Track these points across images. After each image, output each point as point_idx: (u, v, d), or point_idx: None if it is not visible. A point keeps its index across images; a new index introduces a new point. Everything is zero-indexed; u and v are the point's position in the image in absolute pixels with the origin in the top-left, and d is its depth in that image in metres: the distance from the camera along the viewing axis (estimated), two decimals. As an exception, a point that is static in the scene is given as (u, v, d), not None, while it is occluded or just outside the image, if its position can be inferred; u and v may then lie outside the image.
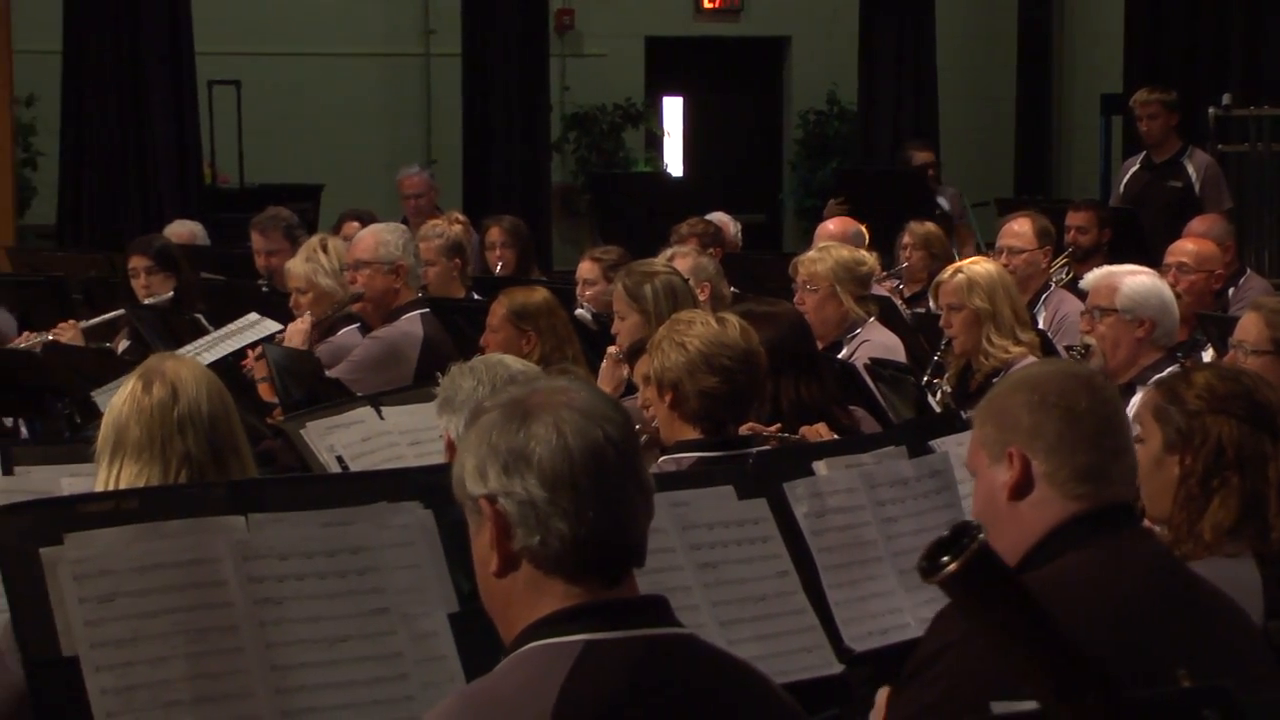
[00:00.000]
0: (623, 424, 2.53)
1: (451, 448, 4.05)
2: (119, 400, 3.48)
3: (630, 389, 5.66)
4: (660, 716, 2.45)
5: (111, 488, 3.41)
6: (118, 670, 2.84)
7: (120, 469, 3.42)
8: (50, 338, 7.62)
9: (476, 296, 8.19)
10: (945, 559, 2.22)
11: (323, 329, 7.24)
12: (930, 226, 9.36)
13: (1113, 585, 2.88)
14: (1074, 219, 9.34)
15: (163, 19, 14.14)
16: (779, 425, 4.96)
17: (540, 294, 6.53)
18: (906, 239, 9.15)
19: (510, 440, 2.47)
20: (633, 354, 5.54)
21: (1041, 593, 2.74)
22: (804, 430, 5.05)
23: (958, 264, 6.83)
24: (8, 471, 4.19)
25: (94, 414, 5.59)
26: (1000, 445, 2.98)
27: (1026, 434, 2.95)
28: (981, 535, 2.24)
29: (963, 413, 5.46)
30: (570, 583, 2.47)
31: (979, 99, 18.61)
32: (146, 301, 8.02)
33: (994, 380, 6.28)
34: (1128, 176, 11.14)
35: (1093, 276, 6.30)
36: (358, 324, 7.28)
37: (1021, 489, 2.95)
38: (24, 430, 7.07)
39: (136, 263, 8.21)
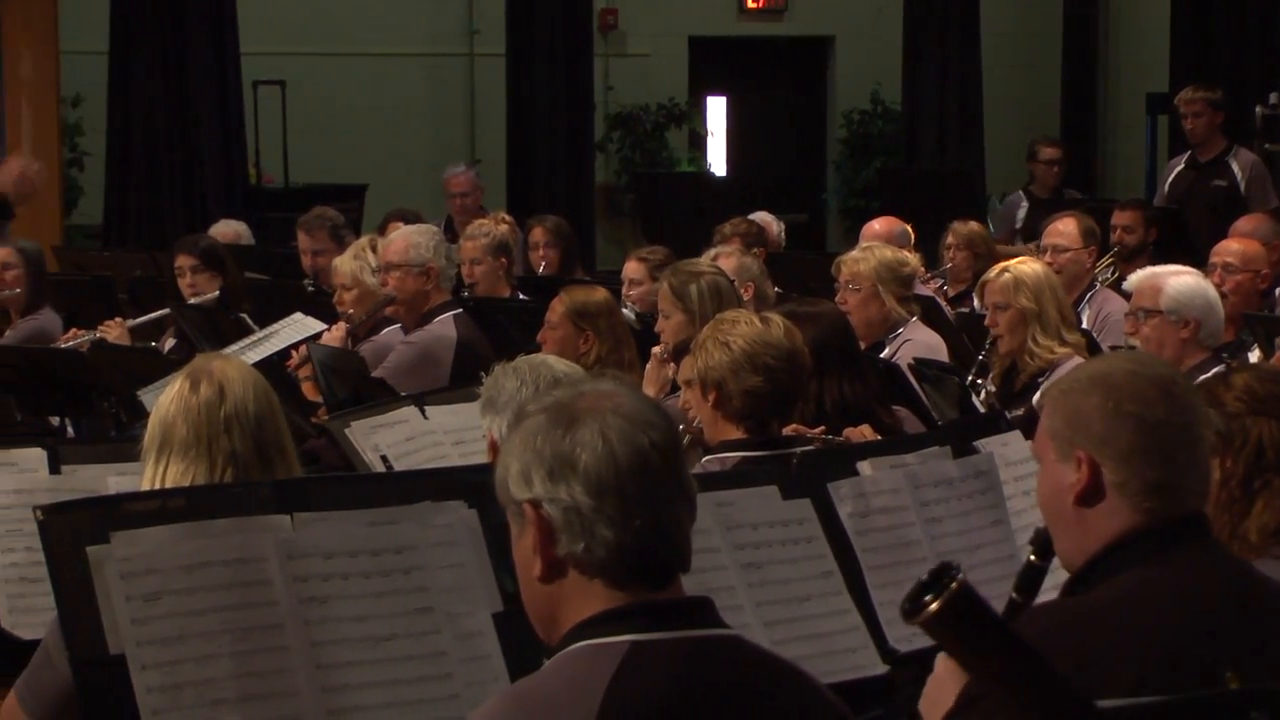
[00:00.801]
0: (667, 429, 2.53)
1: (494, 448, 4.05)
2: (165, 399, 3.48)
3: (676, 388, 5.66)
4: (707, 717, 2.46)
5: (157, 486, 3.42)
6: (164, 668, 2.85)
7: (166, 468, 3.43)
8: (97, 337, 7.66)
9: (522, 296, 8.21)
10: (928, 598, 2.24)
11: (364, 330, 7.26)
12: (974, 226, 9.32)
13: (1178, 603, 2.81)
14: (1120, 218, 9.30)
15: (208, 20, 14.20)
16: (824, 428, 4.95)
17: (600, 294, 6.54)
18: (950, 239, 9.12)
19: (556, 445, 2.47)
20: (678, 354, 5.54)
21: (1104, 610, 2.73)
22: (848, 431, 5.04)
23: (1004, 263, 6.81)
24: (55, 470, 4.22)
25: (140, 413, 5.61)
26: (1069, 444, 2.89)
27: (1098, 440, 2.87)
28: (961, 575, 2.26)
29: (1007, 413, 5.45)
30: (616, 588, 2.47)
31: (1024, 98, 18.54)
32: (192, 301, 8.05)
33: (1039, 381, 6.27)
34: (1173, 176, 11.09)
35: (1137, 277, 6.27)
36: (400, 323, 7.30)
37: (1089, 496, 2.87)
38: (70, 429, 7.11)
39: (182, 262, 8.24)
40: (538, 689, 2.46)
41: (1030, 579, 3.08)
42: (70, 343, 7.62)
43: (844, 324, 5.67)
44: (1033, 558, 3.07)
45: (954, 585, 2.25)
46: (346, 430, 4.95)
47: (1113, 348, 6.69)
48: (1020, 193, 12.13)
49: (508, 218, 9.90)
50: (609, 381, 2.64)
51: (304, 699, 2.93)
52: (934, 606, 2.24)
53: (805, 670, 2.65)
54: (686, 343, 5.29)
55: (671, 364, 5.92)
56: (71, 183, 14.84)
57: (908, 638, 3.74)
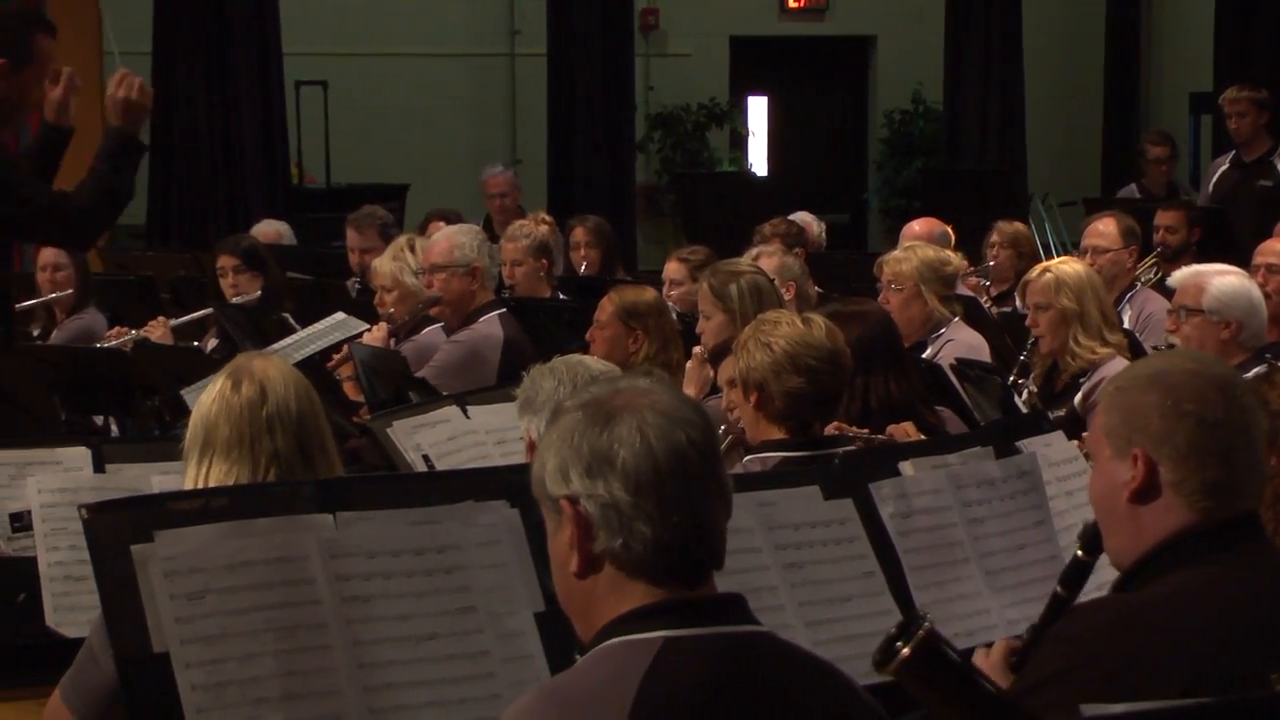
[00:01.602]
0: (704, 426, 2.54)
1: (533, 448, 4.05)
2: (207, 399, 3.49)
3: (716, 389, 5.66)
4: (740, 712, 2.46)
5: (200, 486, 3.43)
6: (207, 667, 2.86)
7: (209, 468, 3.43)
8: (140, 336, 7.69)
9: (562, 296, 8.22)
10: (898, 645, 2.27)
11: (405, 330, 7.28)
12: (1018, 225, 9.30)
13: (1232, 603, 2.80)
14: (1163, 218, 9.26)
15: (251, 21, 14.25)
16: (867, 429, 4.94)
17: (649, 294, 6.54)
18: (994, 238, 9.09)
19: (594, 442, 2.48)
20: (717, 356, 5.54)
21: (1156, 608, 2.73)
22: (891, 430, 5.03)
23: (1046, 263, 6.79)
24: (99, 469, 4.24)
25: (183, 412, 5.63)
26: (1126, 442, 2.88)
27: (1155, 438, 2.86)
28: (927, 623, 2.29)
29: (1049, 413, 5.44)
30: (652, 584, 2.49)
31: (1066, 98, 18.50)
32: (234, 301, 8.08)
33: (1080, 381, 6.25)
34: (1217, 175, 11.04)
35: (1180, 276, 6.24)
36: (441, 323, 7.30)
37: (1145, 494, 2.86)
38: (114, 428, 7.13)
39: (225, 262, 8.27)
40: (571, 685, 2.47)
41: (1076, 574, 3.07)
42: (114, 342, 7.65)
43: (890, 322, 5.66)
44: (1080, 553, 3.07)
45: (921, 632, 2.29)
46: (388, 430, 4.96)
47: (1154, 348, 6.66)
48: (1133, 186, 12.11)
49: (548, 218, 9.90)
50: (645, 379, 2.64)
51: (346, 698, 2.93)
52: (905, 652, 2.28)
53: (841, 669, 2.65)
54: (726, 344, 5.29)
55: (711, 365, 5.91)
56: (115, 183, 14.89)
57: (950, 639, 3.73)
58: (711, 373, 5.90)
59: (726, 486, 2.55)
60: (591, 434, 2.49)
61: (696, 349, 6.18)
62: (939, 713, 2.42)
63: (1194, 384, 2.89)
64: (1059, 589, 3.07)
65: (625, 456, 2.46)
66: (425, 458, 4.88)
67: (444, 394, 5.76)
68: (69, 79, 5.74)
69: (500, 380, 6.47)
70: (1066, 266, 6.60)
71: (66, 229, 5.83)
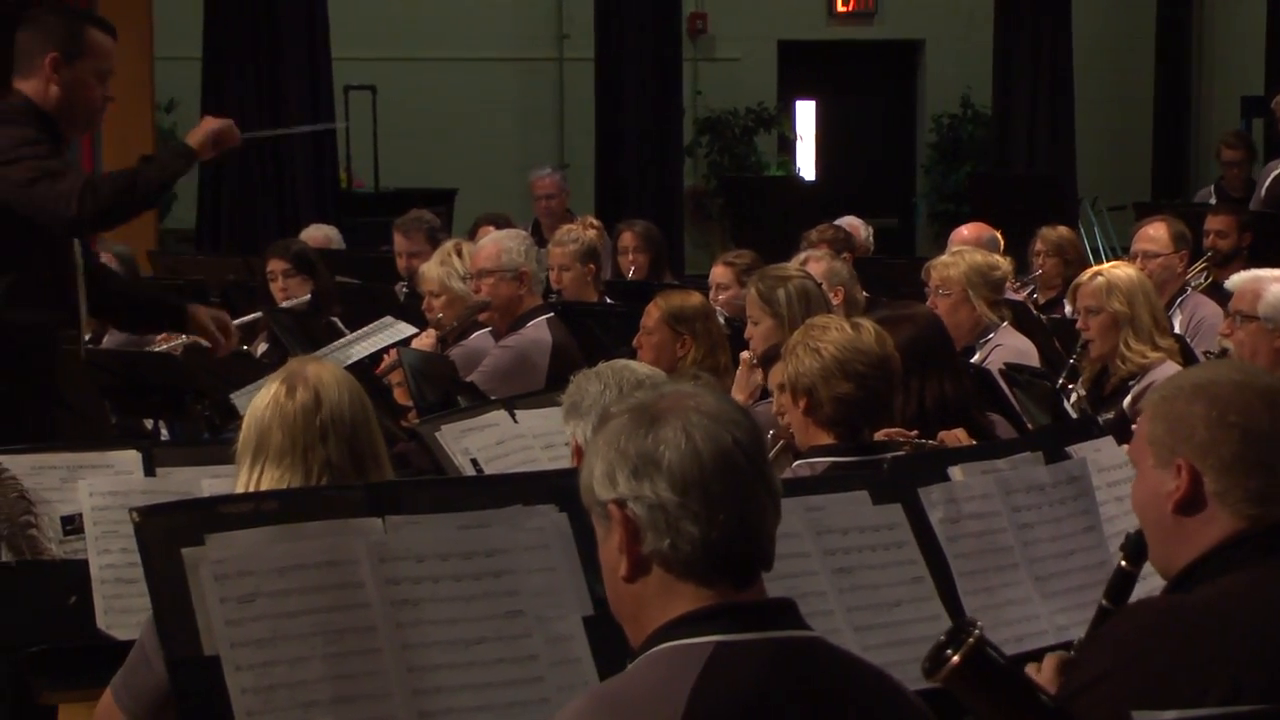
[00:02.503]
0: (750, 428, 2.54)
1: (578, 453, 4.06)
2: (261, 403, 3.49)
3: (767, 393, 5.65)
4: (791, 718, 2.46)
5: (252, 490, 3.43)
6: (257, 670, 2.87)
7: (261, 473, 3.43)
8: (190, 340, 7.72)
9: (610, 301, 8.22)
10: (948, 653, 2.26)
11: (454, 334, 7.29)
12: (1063, 231, 9.25)
13: (1277, 608, 2.80)
14: (1213, 223, 9.21)
15: (300, 26, 14.31)
16: (916, 431, 4.93)
17: (696, 298, 6.54)
18: (1039, 245, 9.04)
19: (639, 444, 2.49)
20: (767, 361, 5.53)
21: (1202, 611, 2.71)
22: (942, 434, 5.02)
23: (1097, 267, 6.76)
24: (150, 473, 4.26)
25: (233, 416, 5.65)
26: (1170, 452, 2.87)
27: (1200, 449, 2.85)
28: (977, 631, 2.27)
29: (1099, 418, 5.42)
30: (701, 585, 2.49)
31: (1116, 101, 18.42)
32: (284, 304, 8.10)
33: (1130, 385, 6.23)
34: (1269, 179, 10.96)
35: (1238, 279, 6.20)
36: (489, 328, 7.31)
37: (1189, 505, 2.85)
38: (164, 432, 7.17)
39: (274, 266, 8.30)
40: (623, 690, 2.47)
41: (1121, 585, 3.06)
42: (164, 346, 7.68)
43: (940, 324, 5.66)
44: (1124, 563, 3.06)
45: (970, 640, 2.28)
46: (437, 434, 4.97)
47: (1205, 353, 6.63)
48: (1210, 188, 12.07)
49: (596, 223, 9.91)
50: (691, 382, 2.64)
51: (396, 701, 2.94)
52: (954, 660, 2.27)
53: (890, 674, 2.64)
54: (776, 349, 5.29)
55: (760, 370, 5.90)
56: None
57: (999, 645, 3.72)
58: (761, 377, 5.90)
59: (775, 487, 2.55)
60: (637, 437, 2.49)
61: (745, 354, 6.18)
62: (990, 716, 2.42)
63: (1240, 396, 2.87)
64: (1104, 601, 3.06)
65: (671, 457, 2.47)
66: (473, 462, 4.89)
67: (492, 398, 5.77)
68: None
69: (548, 385, 6.47)
70: (1118, 270, 6.57)
71: (55, 196, 5.29)
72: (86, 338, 8.13)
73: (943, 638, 2.31)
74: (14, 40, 5.61)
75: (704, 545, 2.47)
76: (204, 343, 6.01)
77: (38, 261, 5.42)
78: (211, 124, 5.71)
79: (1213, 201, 11.58)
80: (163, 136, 14.78)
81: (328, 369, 3.57)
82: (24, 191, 5.28)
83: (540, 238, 9.65)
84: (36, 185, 5.27)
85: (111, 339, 8.36)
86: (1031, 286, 8.95)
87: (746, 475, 2.50)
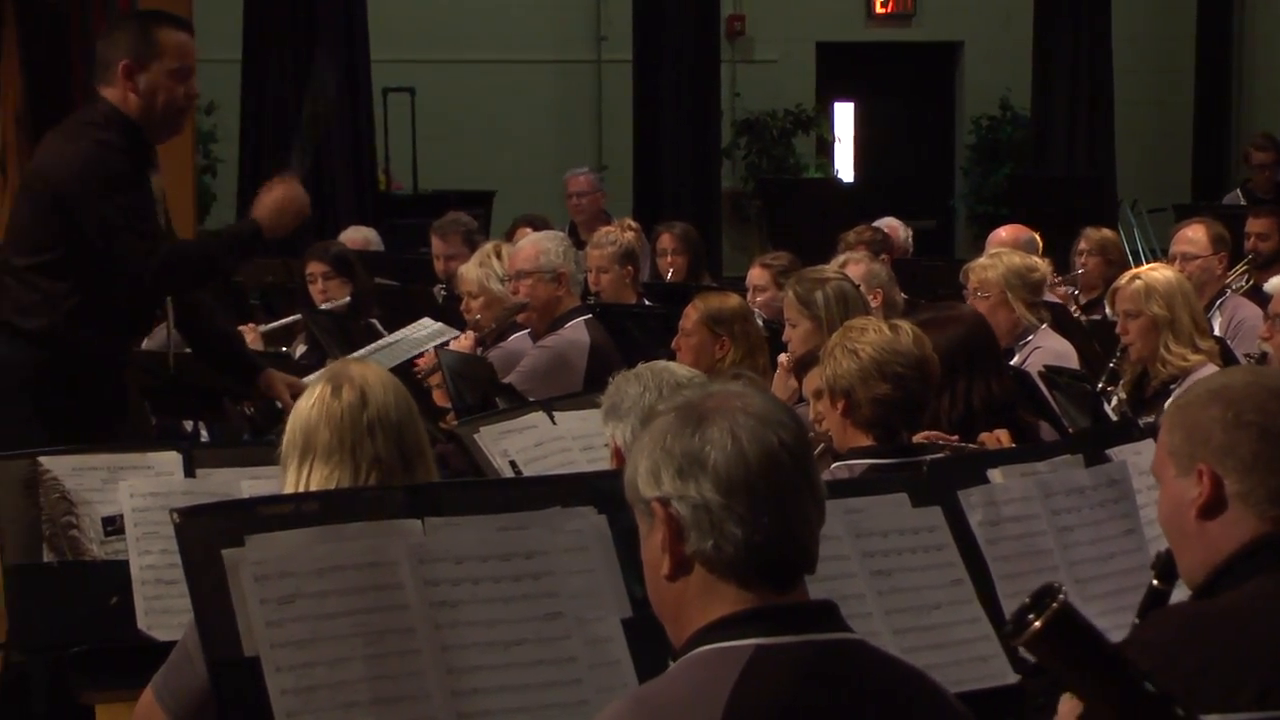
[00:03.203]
0: (796, 429, 2.54)
1: (617, 455, 4.06)
2: (306, 404, 3.49)
3: (803, 398, 5.64)
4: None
5: (301, 491, 3.44)
6: (298, 671, 2.88)
7: (310, 472, 3.44)
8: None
9: (648, 303, 8.22)
10: (1030, 617, 2.26)
11: (493, 336, 7.30)
12: (1106, 232, 9.23)
13: None
14: (1254, 225, 9.18)
15: (339, 28, 14.34)
16: (957, 435, 4.93)
17: (734, 299, 6.54)
18: (1082, 244, 9.03)
19: (685, 444, 2.48)
20: (802, 367, 5.51)
21: (1229, 615, 2.70)
22: (983, 436, 5.01)
23: (1135, 270, 6.74)
24: (190, 474, 4.27)
25: (278, 419, 5.67)
26: (1190, 459, 2.87)
27: (1219, 451, 2.84)
28: (1063, 595, 2.27)
29: (1139, 420, 5.40)
30: (742, 587, 2.48)
31: (1156, 103, 18.35)
32: (323, 307, 8.12)
33: (1171, 388, 6.20)
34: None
35: (1277, 282, 6.18)
36: (528, 329, 7.32)
37: (1212, 508, 2.84)
38: (204, 433, 7.19)
39: (314, 268, 8.32)
40: (662, 693, 2.46)
41: (1153, 603, 3.05)
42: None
43: (985, 324, 5.66)
44: (1155, 582, 3.05)
45: (1055, 605, 2.26)
46: (475, 435, 4.97)
47: (1246, 355, 6.60)
48: (1237, 192, 12.02)
49: (634, 225, 9.90)
50: (737, 382, 2.64)
51: (435, 702, 2.95)
52: (1036, 625, 2.25)
53: (932, 677, 2.64)
54: (811, 355, 5.29)
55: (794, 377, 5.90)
56: (204, 189, 15.03)
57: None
58: (796, 384, 5.89)
59: (819, 489, 2.55)
60: (683, 436, 2.49)
61: (783, 356, 6.17)
62: (1072, 681, 2.40)
63: (1255, 395, 2.87)
64: (1137, 620, 3.05)
65: (716, 457, 2.47)
66: (512, 463, 4.89)
67: (530, 400, 5.77)
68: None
69: (587, 386, 6.47)
70: (1157, 273, 6.55)
71: (134, 265, 5.38)
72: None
73: (1026, 600, 2.29)
74: (96, 49, 5.64)
75: (747, 547, 2.46)
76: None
77: (115, 294, 5.46)
78: (274, 195, 5.72)
79: (1241, 204, 11.55)
80: (202, 138, 14.86)
81: (372, 369, 3.59)
82: (112, 236, 5.33)
83: (576, 239, 9.66)
84: (122, 236, 5.33)
85: (151, 340, 8.38)
86: (1073, 287, 8.92)
87: (792, 477, 2.50)
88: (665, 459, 2.49)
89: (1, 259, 5.57)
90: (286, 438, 3.49)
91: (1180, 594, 3.02)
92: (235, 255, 5.72)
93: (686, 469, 2.48)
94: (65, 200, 5.34)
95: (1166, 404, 6.14)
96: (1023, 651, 2.37)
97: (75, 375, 5.41)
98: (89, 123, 5.47)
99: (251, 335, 7.88)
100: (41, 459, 4.19)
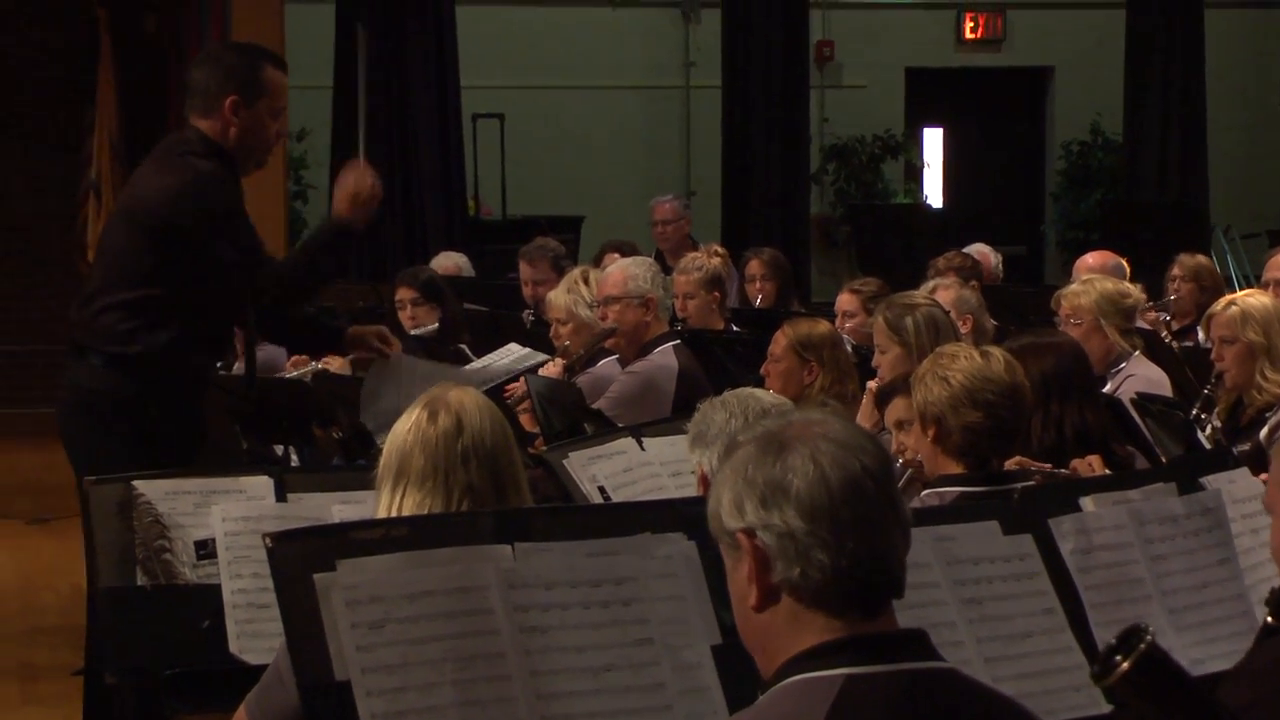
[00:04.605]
0: (879, 454, 2.52)
1: (704, 481, 4.05)
2: (403, 428, 3.52)
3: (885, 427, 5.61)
4: (924, 750, 2.43)
5: (394, 514, 3.46)
6: (388, 695, 2.89)
7: (403, 497, 3.46)
8: (320, 367, 7.78)
9: (736, 329, 8.21)
10: (1117, 659, 2.24)
11: (582, 362, 7.30)
12: (1201, 259, 9.16)
13: None
14: (1351, 250, 9.07)
15: (430, 55, 14.44)
16: (1050, 464, 4.89)
17: (823, 325, 6.52)
18: (1176, 270, 8.96)
19: (767, 473, 2.47)
20: (884, 397, 5.49)
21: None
22: (1074, 463, 4.97)
23: (1231, 296, 6.67)
24: (281, 498, 4.29)
25: (370, 444, 5.71)
26: None
27: None
28: (1150, 636, 2.26)
29: (1234, 448, 5.34)
30: (831, 615, 2.46)
31: (1249, 128, 18.19)
32: (413, 332, 8.15)
33: (1266, 415, 6.13)
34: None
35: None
36: (616, 354, 7.33)
37: None
38: (294, 458, 7.23)
39: (403, 294, 8.36)
40: (755, 722, 2.45)
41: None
42: (294, 373, 7.75)
43: (1082, 353, 5.61)
44: (1270, 619, 3.01)
45: (1143, 646, 2.24)
46: (564, 461, 4.97)
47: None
48: None
49: (721, 250, 9.90)
50: (818, 410, 2.63)
51: (524, 728, 2.95)
52: (1124, 666, 2.24)
53: (1025, 706, 2.61)
54: (893, 385, 5.27)
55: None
56: (296, 215, 15.16)
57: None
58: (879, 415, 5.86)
59: (904, 514, 2.53)
60: (765, 465, 2.48)
61: (871, 383, 6.15)
62: None
63: None
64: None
65: (799, 485, 2.45)
66: (601, 489, 4.89)
67: (619, 425, 5.77)
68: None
69: (675, 411, 6.47)
70: (1252, 300, 6.48)
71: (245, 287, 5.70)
72: (218, 364, 8.25)
73: (1113, 641, 2.27)
74: (191, 78, 5.71)
75: (834, 573, 2.45)
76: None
77: (212, 314, 5.63)
78: (344, 188, 5.84)
79: None
80: (293, 165, 14.98)
81: (469, 395, 3.60)
82: (229, 269, 5.51)
83: (663, 264, 9.66)
84: (239, 267, 5.54)
85: (242, 366, 8.45)
86: (1165, 313, 8.84)
87: (875, 502, 2.48)
88: (748, 489, 2.49)
89: (97, 287, 5.64)
90: (382, 460, 3.51)
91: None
92: (329, 254, 5.85)
93: (770, 498, 2.47)
94: (174, 233, 5.46)
95: (1262, 432, 6.10)
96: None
97: (172, 399, 5.50)
98: (188, 152, 5.55)
99: (340, 361, 7.92)
100: (135, 483, 4.22)
